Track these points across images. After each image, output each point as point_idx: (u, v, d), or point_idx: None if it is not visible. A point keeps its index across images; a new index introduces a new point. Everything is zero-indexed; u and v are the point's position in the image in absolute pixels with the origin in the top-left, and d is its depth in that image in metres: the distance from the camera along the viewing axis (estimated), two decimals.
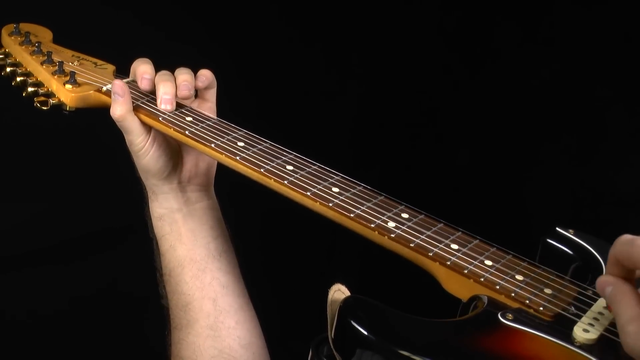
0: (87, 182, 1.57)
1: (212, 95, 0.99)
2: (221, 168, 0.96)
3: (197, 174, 0.98)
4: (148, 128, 0.94)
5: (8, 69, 1.05)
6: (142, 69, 0.96)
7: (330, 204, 0.81)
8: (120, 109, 0.92)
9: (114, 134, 0.96)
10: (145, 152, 0.93)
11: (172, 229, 0.96)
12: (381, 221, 0.80)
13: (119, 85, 0.93)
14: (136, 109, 0.94)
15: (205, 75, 0.96)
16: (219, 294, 0.95)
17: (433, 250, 0.77)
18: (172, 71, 0.97)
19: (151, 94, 0.96)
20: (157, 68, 0.98)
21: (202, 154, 0.95)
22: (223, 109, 1.00)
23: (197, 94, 0.98)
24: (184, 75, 0.95)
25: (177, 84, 0.94)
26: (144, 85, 0.95)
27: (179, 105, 0.95)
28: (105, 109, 0.97)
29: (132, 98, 0.95)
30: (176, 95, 0.94)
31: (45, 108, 1.00)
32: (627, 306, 0.63)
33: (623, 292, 0.64)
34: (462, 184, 1.74)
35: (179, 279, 0.95)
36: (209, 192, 0.99)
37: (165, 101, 0.93)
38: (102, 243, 1.63)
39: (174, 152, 0.96)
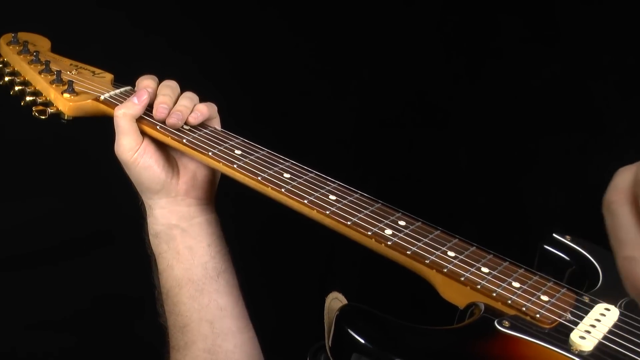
0: (84, 184, 1.57)
1: (216, 124, 0.97)
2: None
3: (195, 187, 0.95)
4: (140, 138, 0.93)
5: (6, 78, 1.04)
6: (145, 83, 0.95)
7: (327, 212, 0.81)
8: (126, 111, 0.92)
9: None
10: (135, 161, 0.92)
11: (170, 247, 0.94)
12: (378, 229, 0.80)
13: (142, 92, 0.93)
14: None
15: (201, 111, 0.94)
16: (216, 316, 0.92)
17: (430, 257, 0.77)
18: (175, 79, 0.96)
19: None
20: (158, 76, 0.98)
21: (200, 166, 0.94)
22: (220, 115, 1.00)
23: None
24: (184, 101, 0.94)
25: (175, 105, 0.93)
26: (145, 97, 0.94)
27: None
28: (103, 118, 0.97)
29: None
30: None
31: (43, 117, 0.99)
32: None
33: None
34: (461, 184, 1.74)
35: (176, 299, 0.93)
36: (208, 206, 0.97)
37: (161, 110, 0.92)
38: (100, 244, 1.62)
39: (167, 164, 0.94)
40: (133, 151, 0.92)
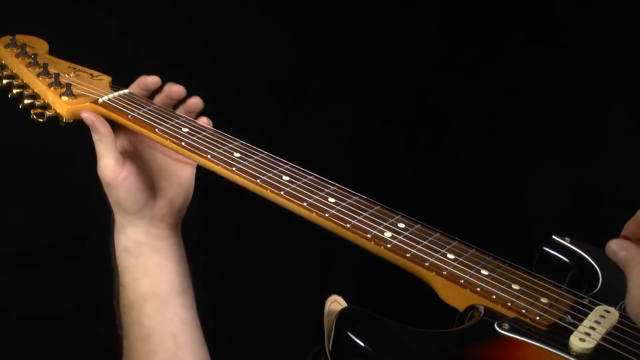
0: (72, 188, 1.56)
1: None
2: (218, 176, 0.95)
3: (171, 214, 0.97)
4: (122, 160, 0.93)
5: (4, 81, 1.04)
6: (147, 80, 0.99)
7: (327, 215, 0.81)
8: (99, 134, 0.93)
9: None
10: (116, 183, 0.92)
11: (138, 262, 0.95)
12: (377, 231, 0.80)
13: (89, 117, 0.94)
14: (132, 120, 0.94)
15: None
16: (179, 330, 0.94)
17: (429, 260, 0.77)
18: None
19: (151, 104, 0.96)
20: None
21: (177, 193, 0.97)
22: (217, 120, 1.00)
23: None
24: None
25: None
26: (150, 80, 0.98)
27: (176, 116, 0.95)
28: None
29: (129, 109, 0.95)
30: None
31: (41, 120, 0.99)
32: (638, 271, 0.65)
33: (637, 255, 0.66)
34: (462, 184, 1.74)
35: (140, 311, 0.94)
36: (177, 230, 0.99)
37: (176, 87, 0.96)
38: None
39: (147, 189, 0.95)
40: (114, 174, 0.92)
